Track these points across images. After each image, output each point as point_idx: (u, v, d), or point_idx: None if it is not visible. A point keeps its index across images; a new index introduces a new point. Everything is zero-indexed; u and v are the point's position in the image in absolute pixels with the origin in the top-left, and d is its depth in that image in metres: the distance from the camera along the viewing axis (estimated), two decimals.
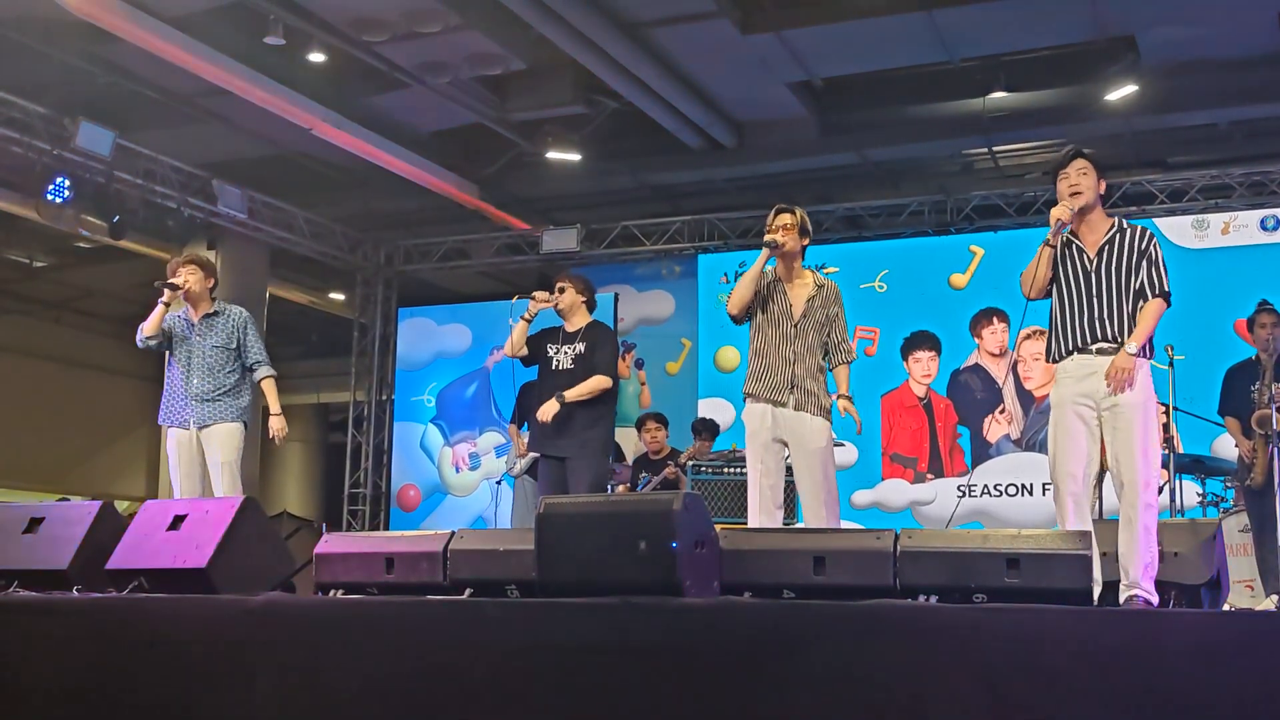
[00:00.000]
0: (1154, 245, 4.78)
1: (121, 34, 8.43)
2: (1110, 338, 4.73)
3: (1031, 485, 10.28)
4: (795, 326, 5.58)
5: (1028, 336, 10.62)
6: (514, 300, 6.57)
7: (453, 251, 12.98)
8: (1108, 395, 4.67)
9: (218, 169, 11.06)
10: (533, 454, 8.02)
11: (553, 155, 11.19)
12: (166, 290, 6.49)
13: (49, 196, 9.62)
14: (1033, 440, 10.45)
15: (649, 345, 12.01)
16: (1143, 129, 10.50)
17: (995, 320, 10.75)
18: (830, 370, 5.68)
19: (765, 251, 5.56)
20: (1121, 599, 4.57)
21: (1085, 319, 4.77)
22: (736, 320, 5.72)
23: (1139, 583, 4.56)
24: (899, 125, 10.82)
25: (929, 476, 10.69)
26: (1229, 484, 7.91)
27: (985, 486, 10.44)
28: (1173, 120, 10.40)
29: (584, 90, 10.12)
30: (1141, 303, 4.73)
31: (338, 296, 14.56)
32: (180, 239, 11.82)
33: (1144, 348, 4.71)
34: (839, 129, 10.94)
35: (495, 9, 8.61)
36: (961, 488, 10.49)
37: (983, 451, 10.61)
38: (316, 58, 9.39)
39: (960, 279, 10.92)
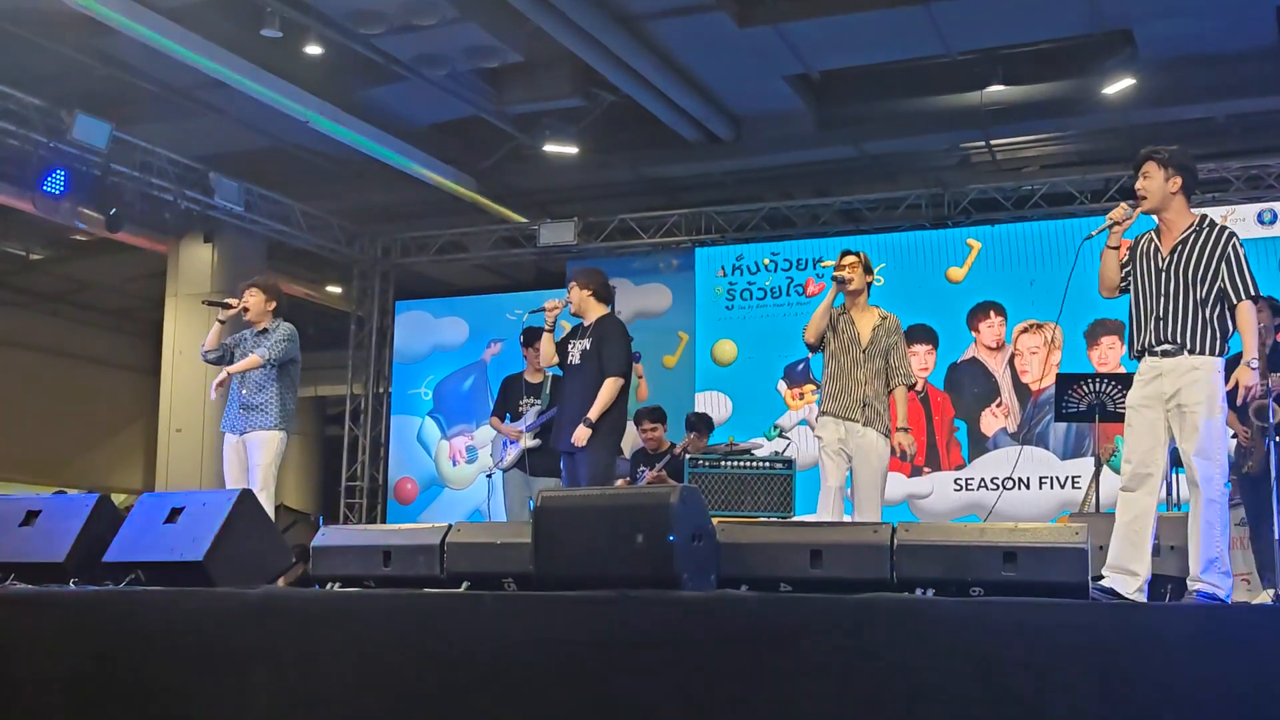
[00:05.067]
0: (1232, 246, 4.78)
1: (118, 26, 8.41)
2: (1172, 339, 4.77)
3: (1029, 479, 10.29)
4: (864, 352, 6.20)
5: (1024, 330, 10.62)
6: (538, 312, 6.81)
7: (450, 244, 12.97)
8: (1173, 396, 4.73)
9: (214, 162, 11.04)
10: (523, 446, 8.04)
11: (550, 148, 11.17)
12: (220, 309, 6.98)
13: (45, 189, 9.61)
14: (1030, 434, 10.45)
15: (646, 338, 11.92)
16: (1140, 123, 10.48)
17: (992, 314, 10.74)
18: (891, 391, 6.28)
19: (834, 287, 6.22)
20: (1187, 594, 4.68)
21: (1153, 320, 4.83)
22: (812, 349, 6.37)
23: (1199, 577, 4.63)
24: (896, 118, 10.82)
25: (926, 470, 10.69)
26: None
27: (982, 480, 10.45)
28: (1170, 114, 10.38)
29: (581, 83, 10.10)
30: (1227, 308, 4.77)
31: (335, 289, 14.55)
32: (177, 232, 11.82)
33: (1213, 346, 4.74)
34: (836, 122, 10.92)
35: (492, 1, 8.59)
36: (958, 481, 10.51)
37: (979, 445, 10.61)
38: (313, 50, 9.35)
39: (957, 272, 10.92)
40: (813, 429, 8.20)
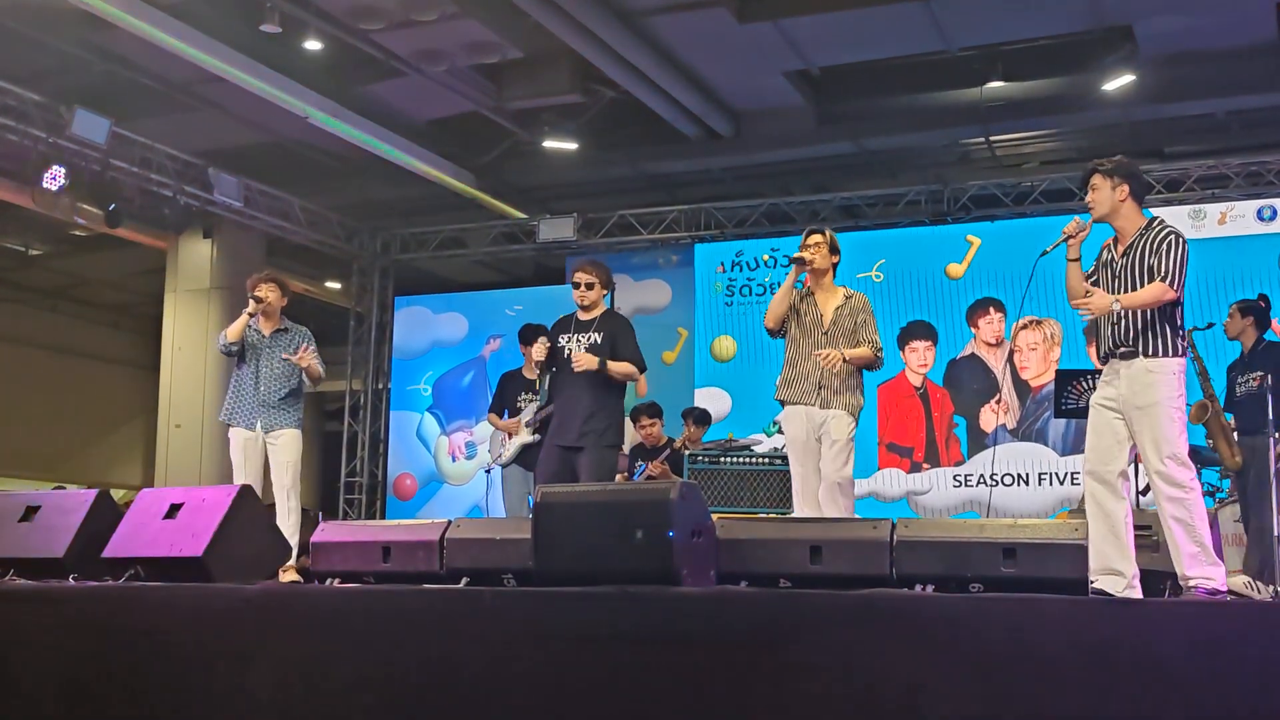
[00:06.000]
0: (1167, 242, 4.83)
1: (117, 21, 8.40)
2: (1128, 342, 4.84)
3: (1028, 475, 10.29)
4: (825, 334, 5.90)
5: (1024, 326, 10.62)
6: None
7: (449, 240, 12.97)
8: (1130, 398, 4.79)
9: (214, 157, 11.03)
10: (519, 442, 8.00)
11: (549, 144, 11.17)
12: (252, 302, 7.11)
13: (45, 184, 9.59)
14: (1029, 430, 10.45)
15: (645, 335, 11.80)
16: (1140, 119, 10.49)
17: (992, 310, 10.74)
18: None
19: (794, 268, 5.93)
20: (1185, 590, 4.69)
21: (1109, 325, 4.92)
22: (773, 334, 6.07)
23: (1187, 575, 4.65)
24: (896, 115, 10.81)
25: (925, 466, 10.69)
26: (1224, 474, 7.93)
27: (981, 476, 10.45)
28: (1170, 110, 10.39)
29: (581, 79, 10.09)
30: (1172, 303, 4.82)
31: (334, 285, 14.55)
32: (176, 228, 11.81)
33: (1166, 347, 4.78)
34: (836, 118, 10.92)
35: None
36: (958, 477, 10.51)
37: (979, 441, 10.61)
38: (313, 46, 9.36)
39: (957, 269, 10.92)
40: None
